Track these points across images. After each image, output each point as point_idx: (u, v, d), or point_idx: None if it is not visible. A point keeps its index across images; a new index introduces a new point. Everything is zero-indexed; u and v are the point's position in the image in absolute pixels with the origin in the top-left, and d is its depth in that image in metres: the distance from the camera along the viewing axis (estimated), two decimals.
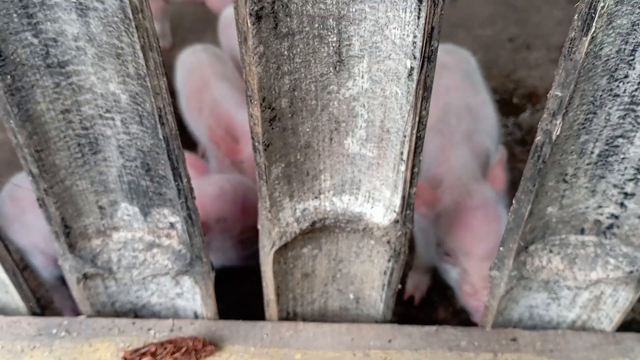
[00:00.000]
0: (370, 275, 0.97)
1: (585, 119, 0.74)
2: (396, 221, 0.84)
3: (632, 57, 0.67)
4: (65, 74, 0.74)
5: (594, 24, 0.61)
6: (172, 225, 0.91)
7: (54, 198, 0.83)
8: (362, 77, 0.72)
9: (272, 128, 0.73)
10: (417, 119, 0.71)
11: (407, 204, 0.82)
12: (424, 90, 0.68)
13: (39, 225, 1.21)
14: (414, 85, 0.67)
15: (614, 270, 0.88)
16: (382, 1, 0.64)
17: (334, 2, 0.64)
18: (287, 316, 1.03)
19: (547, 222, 0.87)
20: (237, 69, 1.82)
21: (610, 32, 0.64)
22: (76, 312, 1.25)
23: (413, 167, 0.77)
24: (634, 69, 0.69)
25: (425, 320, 1.24)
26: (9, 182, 1.33)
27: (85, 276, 0.94)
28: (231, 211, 1.24)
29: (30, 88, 0.73)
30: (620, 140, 0.77)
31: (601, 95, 0.71)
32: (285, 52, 0.67)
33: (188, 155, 0.94)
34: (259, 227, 0.88)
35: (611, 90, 0.71)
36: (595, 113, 0.73)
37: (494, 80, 2.21)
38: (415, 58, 0.65)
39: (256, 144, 0.74)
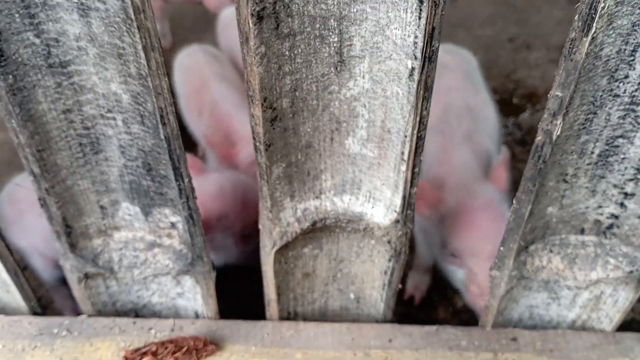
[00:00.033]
0: (371, 275, 0.97)
1: (586, 119, 0.74)
2: (397, 221, 0.84)
3: (632, 58, 0.68)
4: (67, 74, 0.74)
5: (594, 25, 0.61)
6: (173, 225, 0.91)
7: (55, 198, 0.83)
8: (363, 77, 0.72)
9: (274, 128, 0.74)
10: (418, 119, 0.71)
11: (408, 203, 0.82)
12: (425, 90, 0.69)
13: (38, 227, 1.21)
14: (415, 86, 0.68)
15: (614, 270, 0.88)
16: (383, 2, 0.64)
17: (335, 3, 0.65)
18: (288, 316, 1.03)
19: (547, 222, 0.88)
20: (235, 69, 1.82)
21: (611, 32, 0.64)
22: (76, 312, 1.25)
23: (414, 167, 0.77)
24: (634, 69, 0.69)
25: (425, 320, 1.24)
26: (8, 184, 1.34)
27: (87, 276, 0.94)
28: (232, 208, 1.25)
29: (31, 88, 0.74)
30: (621, 140, 0.77)
31: (601, 96, 0.71)
32: (287, 53, 0.67)
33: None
34: (260, 226, 0.88)
35: (611, 90, 0.71)
36: (595, 113, 0.73)
37: (494, 80, 2.22)
38: (416, 58, 0.66)
39: (257, 144, 0.74)
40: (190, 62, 1.77)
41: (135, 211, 0.90)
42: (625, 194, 0.83)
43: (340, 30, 0.67)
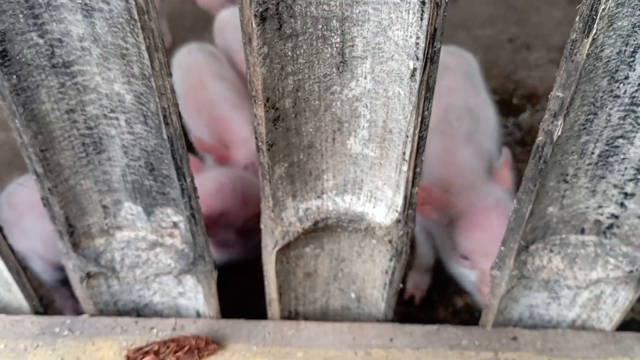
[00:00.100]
0: (372, 275, 0.98)
1: (586, 120, 0.74)
2: (398, 221, 0.85)
3: (632, 59, 0.68)
4: (70, 74, 0.74)
5: (595, 26, 0.62)
6: (175, 225, 0.91)
7: (58, 197, 0.84)
8: (365, 77, 0.72)
9: (276, 128, 0.74)
10: (419, 119, 0.72)
11: (409, 203, 0.83)
12: (427, 90, 0.69)
13: (37, 230, 1.21)
14: (417, 86, 0.68)
15: (614, 270, 0.89)
16: (385, 3, 0.64)
17: (337, 4, 0.65)
18: (289, 315, 1.03)
19: (547, 221, 0.88)
20: (233, 69, 1.83)
21: (611, 33, 0.65)
22: (77, 312, 1.25)
23: (415, 167, 0.77)
24: (634, 70, 0.69)
25: (425, 320, 1.25)
26: (9, 183, 1.34)
27: (89, 275, 0.94)
28: (232, 203, 1.25)
29: (35, 88, 0.74)
30: (621, 140, 0.77)
31: (602, 96, 0.72)
32: (289, 53, 0.68)
33: None
34: (262, 226, 0.88)
35: (612, 91, 0.72)
36: (595, 114, 0.74)
37: (494, 81, 2.22)
38: (418, 59, 0.66)
39: (260, 144, 0.75)
40: (189, 61, 1.77)
41: (138, 211, 0.91)
42: (625, 194, 0.83)
43: (342, 31, 0.68)
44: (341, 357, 0.94)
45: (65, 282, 1.30)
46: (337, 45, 0.69)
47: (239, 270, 1.37)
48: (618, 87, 0.71)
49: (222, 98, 1.60)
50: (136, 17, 0.64)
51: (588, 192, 0.85)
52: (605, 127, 0.76)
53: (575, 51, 0.65)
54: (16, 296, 1.01)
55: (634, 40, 0.66)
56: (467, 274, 1.19)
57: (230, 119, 1.54)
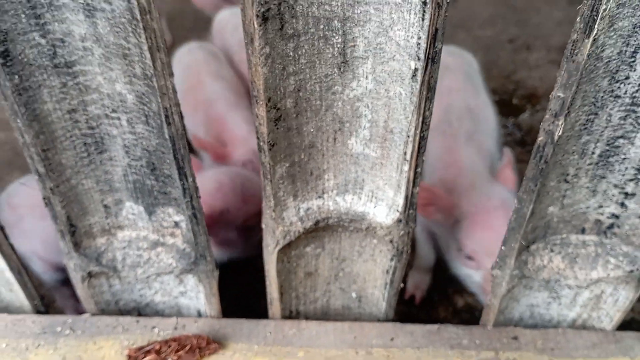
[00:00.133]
0: (373, 274, 0.98)
1: (587, 120, 0.75)
2: (399, 220, 0.85)
3: (633, 59, 0.68)
4: (72, 74, 0.74)
5: (596, 26, 0.62)
6: (176, 224, 0.91)
7: (59, 197, 0.84)
8: (366, 77, 0.72)
9: (277, 128, 0.74)
10: (420, 119, 0.72)
11: (410, 203, 0.83)
12: (428, 91, 0.69)
13: (37, 231, 1.21)
14: (418, 86, 0.68)
15: (615, 270, 0.89)
16: (386, 3, 0.64)
17: (339, 4, 0.65)
18: (290, 314, 1.03)
19: (548, 221, 0.88)
20: (231, 69, 1.83)
21: (612, 34, 0.65)
22: (78, 312, 1.25)
23: (416, 167, 0.78)
24: (634, 70, 0.70)
25: (425, 320, 1.25)
26: (10, 183, 1.34)
27: (90, 275, 0.94)
28: (232, 201, 1.25)
29: (37, 88, 0.74)
30: (621, 140, 0.78)
31: (602, 97, 0.72)
32: (291, 53, 0.68)
33: None
34: (263, 226, 0.88)
35: (612, 91, 0.72)
36: (596, 114, 0.74)
37: (494, 81, 2.23)
38: (419, 59, 0.66)
39: (261, 143, 0.75)
40: (188, 59, 1.77)
41: (139, 210, 0.91)
42: (626, 194, 0.84)
43: (344, 32, 0.68)
44: (342, 357, 0.94)
45: (65, 282, 1.31)
46: (338, 45, 0.69)
47: (239, 270, 1.37)
48: (619, 87, 0.71)
49: (220, 97, 1.61)
50: (138, 17, 0.64)
51: (589, 192, 0.85)
52: (606, 127, 0.76)
53: (576, 51, 0.65)
54: (18, 295, 1.01)
55: (635, 41, 0.66)
56: (472, 275, 1.20)
57: (227, 117, 1.54)
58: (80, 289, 0.97)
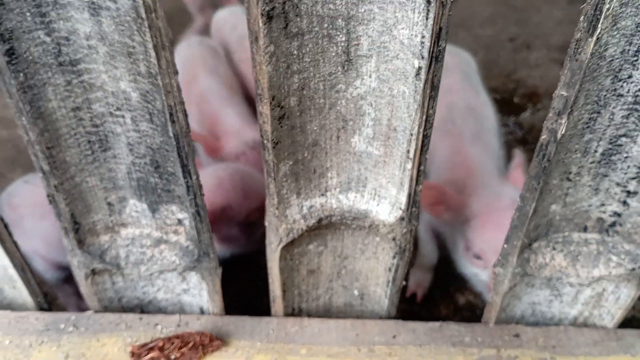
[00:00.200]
0: (375, 272, 0.98)
1: (590, 118, 0.75)
2: (402, 218, 0.85)
3: (635, 58, 0.69)
4: (77, 72, 0.75)
5: (599, 25, 0.62)
6: (179, 222, 0.92)
7: (64, 194, 0.84)
8: (370, 76, 0.73)
9: (281, 126, 0.75)
10: (424, 117, 0.72)
11: (413, 201, 0.83)
12: (432, 89, 0.69)
13: (38, 231, 1.22)
14: (422, 85, 0.69)
15: (616, 268, 0.89)
16: (390, 2, 0.65)
17: (343, 3, 0.66)
18: (293, 312, 1.04)
19: (550, 219, 0.89)
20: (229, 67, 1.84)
21: (615, 33, 0.65)
22: (80, 309, 1.26)
23: (419, 165, 0.78)
24: (637, 69, 0.70)
25: (427, 317, 1.25)
26: (12, 181, 1.34)
27: (94, 272, 0.95)
28: (233, 197, 1.26)
29: (42, 86, 0.74)
30: (624, 139, 0.78)
31: (605, 95, 0.72)
32: (295, 52, 0.68)
33: None
34: (266, 223, 0.89)
35: (615, 90, 0.72)
36: (599, 112, 0.74)
37: (494, 80, 2.23)
38: (423, 58, 0.66)
39: (265, 141, 0.75)
40: (186, 54, 1.78)
41: (143, 208, 0.91)
42: (628, 192, 0.84)
43: (348, 30, 0.68)
44: (344, 354, 0.94)
45: (67, 280, 1.31)
46: (342, 44, 0.69)
47: (241, 268, 1.37)
48: (621, 86, 0.72)
49: (214, 91, 1.62)
50: (143, 15, 0.64)
51: (591, 190, 0.85)
52: (609, 125, 0.76)
53: (579, 50, 0.65)
54: (21, 293, 1.01)
55: (638, 40, 0.67)
56: (479, 274, 1.20)
57: (220, 111, 1.55)
58: (84, 286, 0.98)
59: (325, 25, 0.67)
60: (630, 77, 0.71)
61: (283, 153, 0.78)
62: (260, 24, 0.63)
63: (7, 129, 1.94)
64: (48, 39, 0.71)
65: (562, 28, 2.55)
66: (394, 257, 0.93)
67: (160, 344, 0.92)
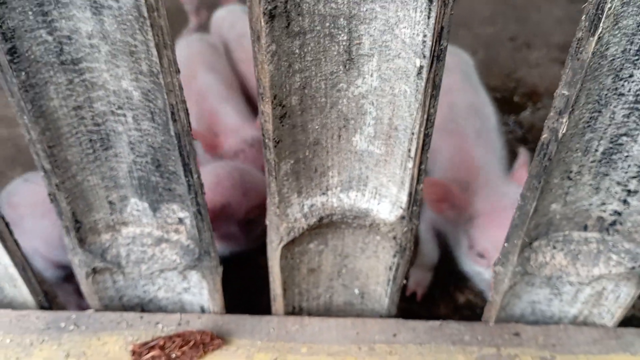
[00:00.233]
0: (376, 271, 0.98)
1: (591, 118, 0.75)
2: (402, 217, 0.85)
3: (637, 57, 0.69)
4: (79, 71, 0.75)
5: (601, 25, 0.63)
6: (180, 221, 0.92)
7: (65, 193, 0.84)
8: (372, 75, 0.73)
9: (282, 125, 0.75)
10: (425, 116, 0.72)
11: (414, 200, 0.83)
12: (433, 88, 0.70)
13: (37, 230, 1.22)
14: (423, 84, 0.69)
15: (616, 266, 0.90)
16: (392, 1, 0.65)
17: (345, 2, 0.66)
18: (293, 311, 1.04)
19: (551, 218, 0.89)
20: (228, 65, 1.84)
21: (616, 32, 0.65)
22: (80, 308, 1.26)
23: (420, 163, 0.78)
24: (638, 68, 0.70)
25: (427, 316, 1.25)
26: (11, 181, 1.34)
27: (94, 270, 0.95)
28: (232, 195, 1.26)
29: (44, 85, 0.74)
30: (624, 138, 0.78)
31: (606, 94, 0.73)
32: (297, 51, 0.68)
33: None
34: (267, 222, 0.89)
35: (616, 89, 0.72)
36: (600, 112, 0.75)
37: (494, 79, 2.23)
38: (424, 57, 0.67)
39: (267, 140, 0.75)
40: (185, 51, 1.78)
41: (144, 207, 0.91)
42: (629, 191, 0.84)
43: (349, 29, 0.68)
44: (345, 352, 0.95)
45: (66, 279, 1.32)
46: (344, 43, 0.70)
47: (242, 266, 1.37)
48: (622, 85, 0.72)
49: (212, 88, 1.62)
50: (145, 14, 0.64)
51: (591, 189, 0.85)
52: (610, 124, 0.77)
53: (581, 49, 0.65)
54: (21, 291, 1.01)
55: (639, 39, 0.67)
56: (482, 272, 1.20)
57: (219, 108, 1.55)
58: (85, 285, 0.98)
59: (327, 24, 0.67)
60: (631, 76, 0.71)
61: (284, 152, 0.78)
62: (262, 23, 0.63)
63: (7, 128, 1.94)
64: (50, 38, 0.71)
65: (562, 27, 2.55)
66: (394, 256, 0.93)
67: (161, 342, 0.93)
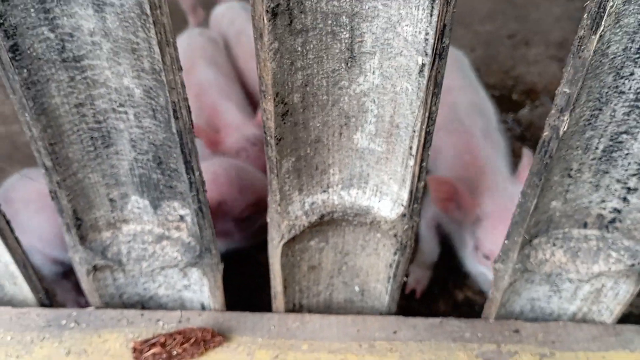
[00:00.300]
0: (376, 268, 0.99)
1: (591, 115, 0.75)
2: (403, 215, 0.86)
3: (638, 55, 0.69)
4: (80, 69, 0.75)
5: (602, 23, 0.63)
6: (181, 218, 0.92)
7: (66, 191, 0.84)
8: (373, 73, 0.73)
9: (284, 122, 0.75)
10: (427, 114, 0.72)
11: (415, 198, 0.83)
12: (435, 86, 0.70)
13: (34, 226, 1.22)
14: (425, 82, 0.69)
15: (616, 264, 0.90)
16: None
17: (347, 0, 0.66)
18: (294, 308, 1.04)
19: (551, 216, 0.89)
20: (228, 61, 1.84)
21: (618, 30, 0.66)
22: (78, 304, 1.26)
23: (422, 161, 0.78)
24: (639, 66, 0.70)
25: (426, 313, 1.26)
26: (8, 178, 1.34)
27: (95, 268, 0.95)
28: (229, 192, 1.26)
29: (45, 82, 0.74)
30: (625, 136, 0.79)
31: (607, 92, 0.73)
32: (299, 48, 0.68)
33: None
34: (268, 219, 0.89)
35: (617, 87, 0.73)
36: (600, 109, 0.75)
37: (493, 77, 2.23)
38: (426, 55, 0.67)
39: (268, 138, 0.75)
40: (186, 45, 1.78)
41: (145, 204, 0.91)
42: (628, 188, 0.85)
43: (351, 27, 0.68)
44: (345, 349, 0.95)
45: (65, 275, 1.31)
46: (346, 40, 0.70)
47: (242, 264, 1.38)
48: (623, 83, 0.72)
49: (213, 83, 1.61)
50: (148, 12, 0.64)
51: (591, 187, 0.86)
52: (610, 122, 0.77)
53: (582, 47, 0.66)
54: (22, 289, 1.01)
55: None
56: (486, 273, 1.20)
57: (220, 104, 1.54)
58: (85, 282, 0.98)
59: (330, 22, 0.67)
60: (632, 74, 0.71)
61: (286, 149, 0.78)
62: (265, 21, 0.63)
63: (4, 125, 1.93)
64: (52, 35, 0.71)
65: (561, 25, 2.56)
66: (394, 254, 0.93)
67: (162, 339, 0.93)
